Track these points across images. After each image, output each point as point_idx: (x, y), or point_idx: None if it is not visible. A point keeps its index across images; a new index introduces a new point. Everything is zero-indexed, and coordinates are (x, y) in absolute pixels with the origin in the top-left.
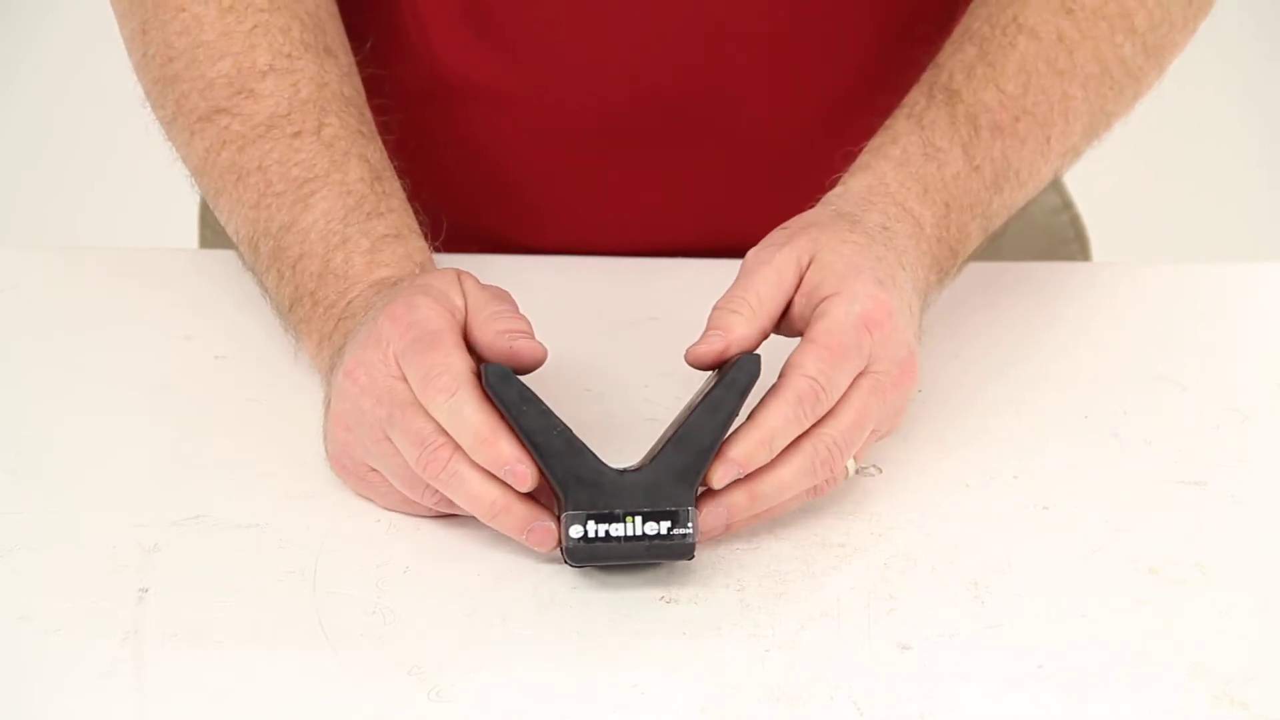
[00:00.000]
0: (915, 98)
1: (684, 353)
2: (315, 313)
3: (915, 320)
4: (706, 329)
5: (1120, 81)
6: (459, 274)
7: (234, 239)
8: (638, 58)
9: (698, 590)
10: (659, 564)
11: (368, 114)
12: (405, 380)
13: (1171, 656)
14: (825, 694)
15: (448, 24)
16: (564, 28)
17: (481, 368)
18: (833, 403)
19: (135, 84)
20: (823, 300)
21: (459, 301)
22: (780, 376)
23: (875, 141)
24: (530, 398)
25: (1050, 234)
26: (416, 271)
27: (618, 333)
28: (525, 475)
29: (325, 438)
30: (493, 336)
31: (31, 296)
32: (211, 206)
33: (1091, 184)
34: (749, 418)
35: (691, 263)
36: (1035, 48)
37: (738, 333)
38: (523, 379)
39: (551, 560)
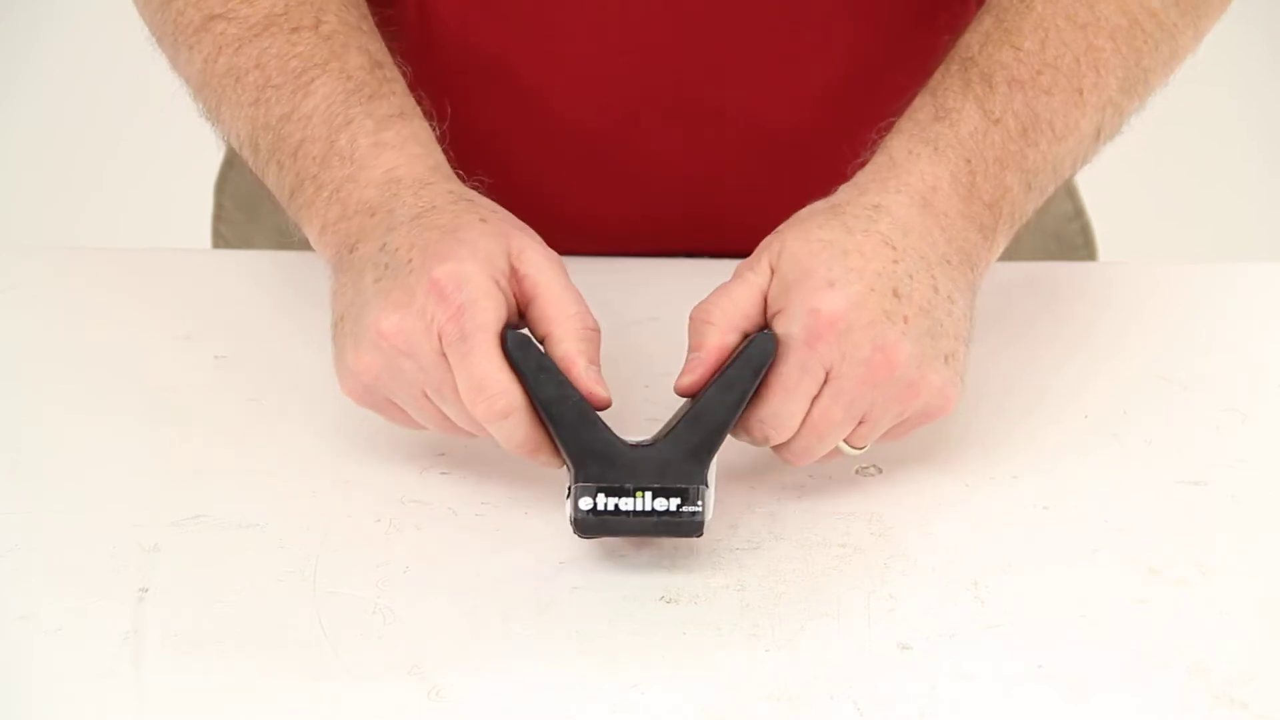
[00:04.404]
0: (935, 75)
1: (673, 386)
2: (319, 197)
3: (908, 301)
4: (689, 349)
5: (1153, 35)
6: (509, 234)
7: (236, 146)
8: (643, 47)
9: (698, 590)
10: (663, 547)
11: (369, 15)
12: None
13: (1171, 656)
14: (825, 694)
15: (458, 7)
16: (568, 18)
17: (504, 333)
18: (791, 429)
19: (137, 84)
20: (773, 318)
21: (504, 265)
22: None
23: (897, 120)
24: (548, 367)
25: (1061, 241)
26: (428, 169)
27: (618, 333)
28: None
29: (338, 356)
30: (572, 356)
31: (31, 296)
32: (214, 122)
33: (1094, 185)
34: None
35: (691, 263)
36: (1052, 7)
37: (711, 344)
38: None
39: (551, 560)
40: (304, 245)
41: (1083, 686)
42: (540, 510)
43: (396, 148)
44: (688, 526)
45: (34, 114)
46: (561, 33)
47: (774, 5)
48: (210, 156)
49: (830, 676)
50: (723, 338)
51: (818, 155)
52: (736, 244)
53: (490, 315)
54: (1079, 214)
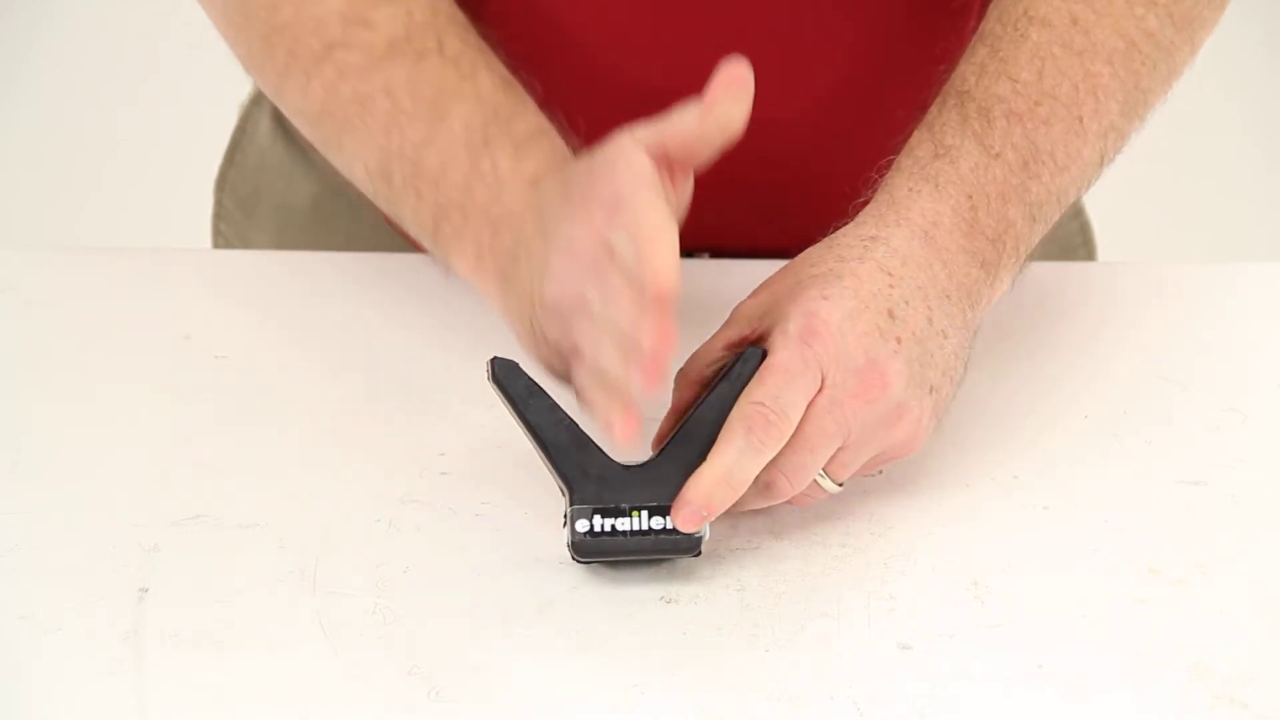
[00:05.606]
0: (932, 109)
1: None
2: (467, 225)
3: (902, 324)
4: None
5: (1151, 56)
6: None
7: (364, 178)
8: (646, 50)
9: (698, 590)
10: (663, 562)
11: (479, 36)
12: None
13: (1171, 656)
14: (825, 694)
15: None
16: (569, 20)
17: (489, 361)
18: (790, 423)
19: (137, 84)
20: (769, 330)
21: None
22: None
23: (896, 158)
24: (537, 392)
25: (1060, 242)
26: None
27: None
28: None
29: (524, 332)
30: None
31: (31, 296)
32: (333, 155)
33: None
34: (707, 457)
35: (691, 263)
36: (1048, 35)
37: (676, 400)
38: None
39: (551, 560)
40: (301, 241)
41: (1083, 686)
42: (540, 510)
43: (537, 161)
44: (685, 544)
45: (34, 114)
46: (565, 34)
47: (771, 8)
48: (210, 156)
49: (830, 676)
50: (682, 395)
51: (819, 160)
52: (737, 247)
53: (651, 177)
54: (1078, 214)
